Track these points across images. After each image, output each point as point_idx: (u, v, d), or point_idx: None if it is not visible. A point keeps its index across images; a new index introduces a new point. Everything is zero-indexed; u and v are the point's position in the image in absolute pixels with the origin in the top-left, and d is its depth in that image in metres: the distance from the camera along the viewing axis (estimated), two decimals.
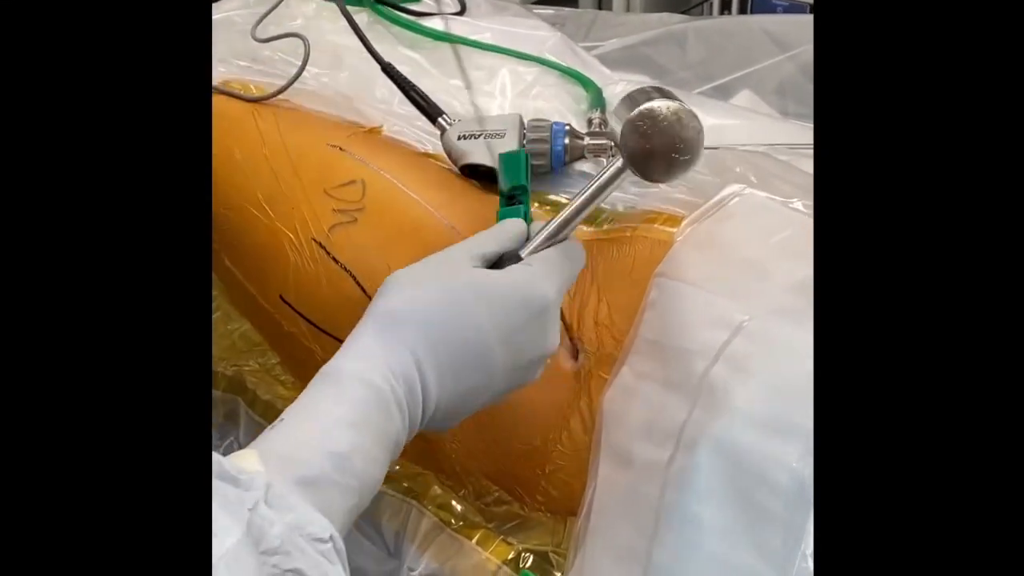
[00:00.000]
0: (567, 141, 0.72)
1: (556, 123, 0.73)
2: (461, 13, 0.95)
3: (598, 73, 0.86)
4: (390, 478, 0.72)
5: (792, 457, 0.50)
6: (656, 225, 0.65)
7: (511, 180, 0.61)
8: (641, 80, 0.90)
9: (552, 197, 0.71)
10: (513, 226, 0.59)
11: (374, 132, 0.78)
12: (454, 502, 0.71)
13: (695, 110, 0.56)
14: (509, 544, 0.67)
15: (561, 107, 0.80)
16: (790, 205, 0.62)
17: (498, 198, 0.71)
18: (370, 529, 0.72)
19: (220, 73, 0.85)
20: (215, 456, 0.41)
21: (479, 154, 0.72)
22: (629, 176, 0.57)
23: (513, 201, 0.61)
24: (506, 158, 0.61)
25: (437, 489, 0.71)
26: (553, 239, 0.58)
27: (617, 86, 0.83)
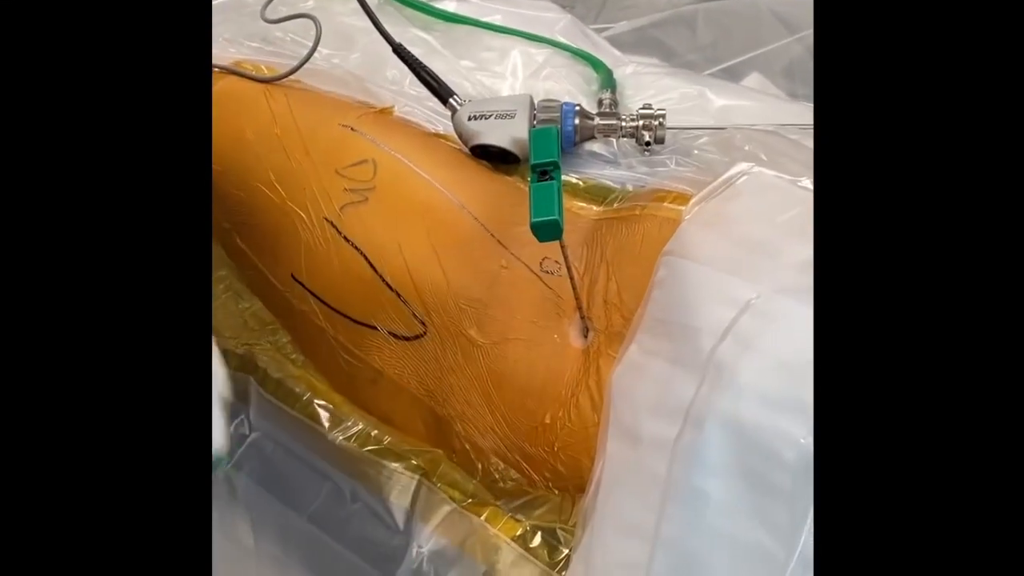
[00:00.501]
0: (577, 121, 0.73)
1: (566, 103, 0.73)
2: None
3: (608, 55, 0.86)
4: (400, 455, 0.73)
5: (799, 433, 0.50)
6: (665, 204, 0.66)
7: (543, 156, 0.60)
8: (651, 62, 0.90)
9: (563, 177, 0.71)
10: None
11: (385, 112, 0.78)
12: (463, 479, 0.71)
13: None
14: (517, 521, 0.67)
15: (572, 88, 0.80)
16: (799, 184, 0.62)
17: (508, 177, 0.72)
18: (379, 505, 0.73)
19: (231, 54, 0.86)
20: None
21: (490, 134, 0.72)
22: None
23: (545, 176, 0.60)
24: (537, 134, 0.61)
25: (446, 466, 0.72)
26: None
27: (628, 68, 0.83)
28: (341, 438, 0.75)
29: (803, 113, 0.75)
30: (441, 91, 0.75)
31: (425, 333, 0.70)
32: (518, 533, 0.66)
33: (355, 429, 0.75)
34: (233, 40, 0.87)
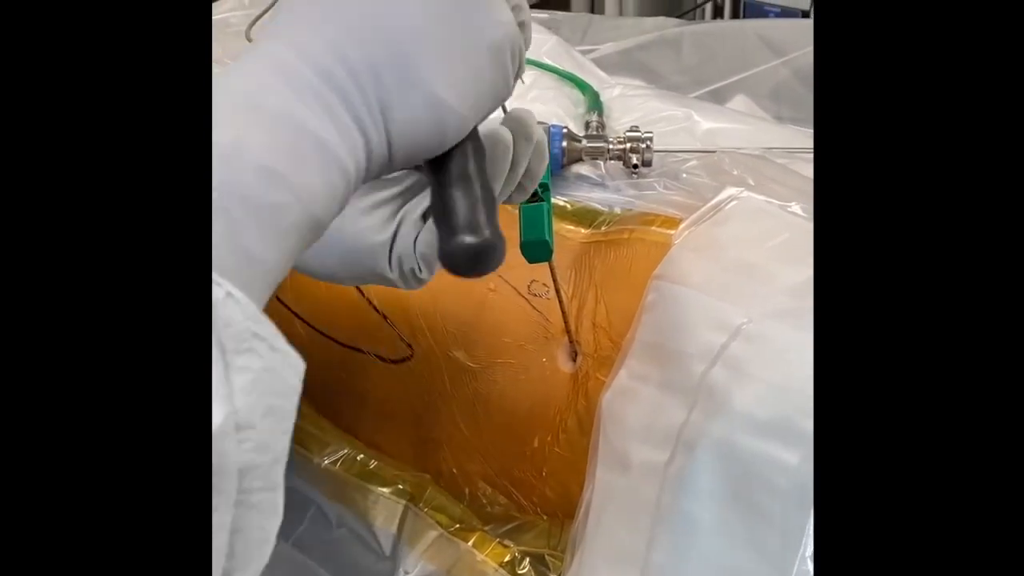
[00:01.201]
0: (565, 144, 0.72)
1: (553, 125, 0.73)
2: None
3: (595, 77, 0.86)
4: (386, 480, 0.72)
5: (792, 460, 0.50)
6: (654, 227, 0.65)
7: None
8: (637, 84, 0.90)
9: (551, 200, 0.71)
10: None
11: None
12: (449, 504, 0.71)
13: None
14: (505, 547, 0.67)
15: (558, 110, 0.80)
16: (788, 209, 0.62)
17: None
18: (365, 530, 0.72)
19: (215, 74, 0.85)
20: None
21: None
22: None
23: (535, 198, 0.60)
24: None
25: (433, 491, 0.71)
26: None
27: (614, 90, 0.83)
28: (327, 462, 0.74)
29: (790, 137, 0.76)
30: None
31: (412, 356, 0.70)
32: (506, 559, 0.66)
33: (341, 453, 0.74)
34: (217, 60, 0.86)
